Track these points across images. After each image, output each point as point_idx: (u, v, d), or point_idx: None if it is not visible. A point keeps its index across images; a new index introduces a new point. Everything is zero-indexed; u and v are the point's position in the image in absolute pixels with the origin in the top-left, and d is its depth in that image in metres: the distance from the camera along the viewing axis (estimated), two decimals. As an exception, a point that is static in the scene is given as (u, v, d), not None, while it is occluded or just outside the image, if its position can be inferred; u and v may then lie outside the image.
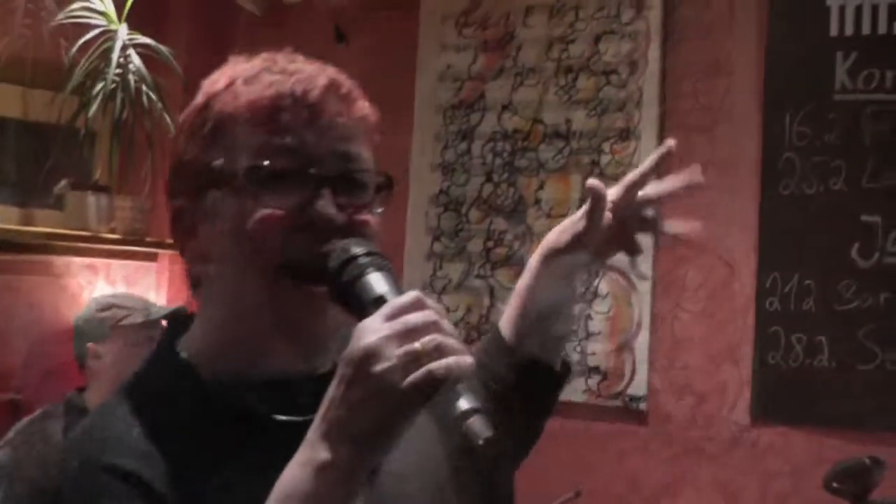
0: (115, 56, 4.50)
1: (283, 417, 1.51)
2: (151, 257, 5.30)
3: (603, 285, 4.51)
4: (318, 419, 1.35)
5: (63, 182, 4.62)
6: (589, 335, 4.53)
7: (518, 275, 4.53)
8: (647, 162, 1.92)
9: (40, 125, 4.75)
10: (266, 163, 1.51)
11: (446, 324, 1.34)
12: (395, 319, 1.32)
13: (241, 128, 1.55)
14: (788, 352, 4.14)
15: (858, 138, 4.07)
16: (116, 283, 5.15)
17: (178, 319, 1.67)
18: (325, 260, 1.47)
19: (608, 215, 1.97)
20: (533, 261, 2.00)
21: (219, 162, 1.54)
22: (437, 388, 1.29)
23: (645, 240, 1.92)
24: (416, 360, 1.29)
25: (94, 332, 4.09)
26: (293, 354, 1.56)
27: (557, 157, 4.64)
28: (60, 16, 4.47)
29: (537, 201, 4.64)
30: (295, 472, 1.35)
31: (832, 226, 4.10)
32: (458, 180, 4.83)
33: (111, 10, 4.55)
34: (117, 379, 3.99)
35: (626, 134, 4.52)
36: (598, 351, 4.51)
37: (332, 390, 1.34)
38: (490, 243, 4.72)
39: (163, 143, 4.63)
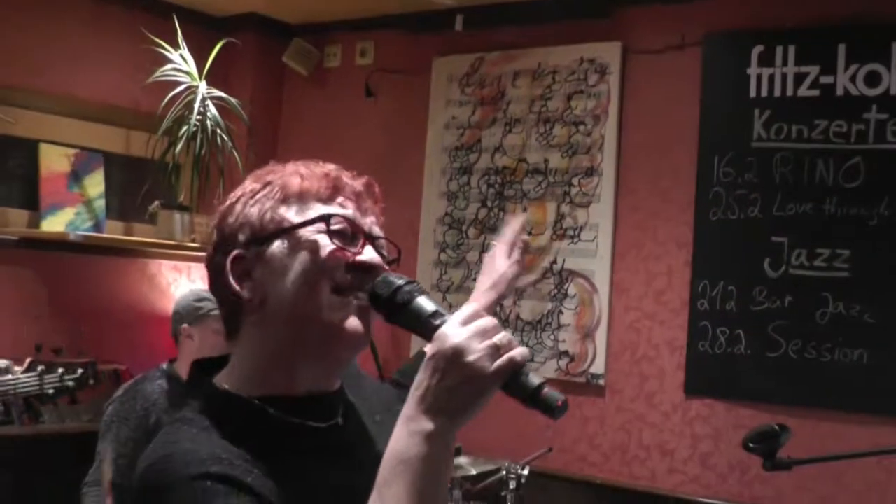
0: (196, 106, 4.51)
1: (315, 424, 1.55)
2: (222, 262, 5.28)
3: (572, 288, 4.48)
4: (414, 401, 1.37)
5: (156, 203, 4.64)
6: (560, 326, 4.50)
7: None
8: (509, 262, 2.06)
9: (139, 159, 4.78)
10: (337, 215, 1.55)
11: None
12: (469, 324, 1.36)
13: (313, 193, 1.58)
14: (714, 342, 4.11)
15: (771, 177, 4.04)
16: (195, 281, 5.15)
17: (200, 374, 1.63)
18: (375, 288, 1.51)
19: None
20: None
21: (290, 215, 1.56)
22: (516, 371, 1.35)
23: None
24: (497, 351, 1.35)
25: (189, 316, 4.08)
26: (323, 375, 1.58)
27: (537, 188, 4.61)
28: (156, 75, 4.47)
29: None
30: (405, 441, 1.36)
31: (749, 244, 4.07)
32: (459, 205, 4.81)
33: (194, 70, 4.56)
34: (198, 356, 4.03)
35: (591, 171, 4.49)
36: (567, 339, 4.48)
37: (427, 379, 1.36)
38: (484, 255, 4.68)
39: (232, 174, 4.62)
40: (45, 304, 4.58)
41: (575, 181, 4.51)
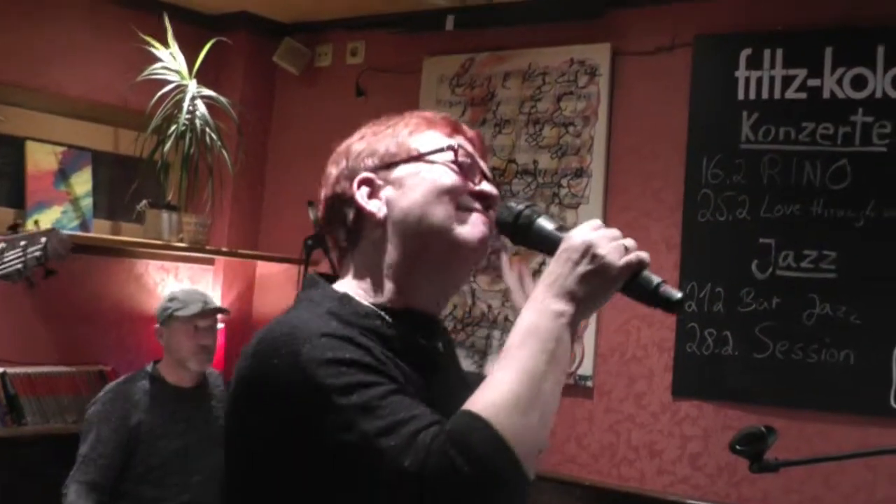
0: (185, 105, 4.52)
1: (421, 340, 1.62)
2: (210, 262, 5.31)
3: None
4: (543, 286, 1.48)
5: (143, 202, 4.63)
6: (548, 327, 4.50)
7: (493, 280, 4.55)
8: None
9: (127, 158, 4.79)
10: (464, 148, 1.68)
11: None
12: (598, 229, 1.50)
13: (436, 129, 1.71)
14: (702, 343, 4.13)
15: (758, 179, 4.07)
16: (183, 281, 5.16)
17: (319, 278, 1.71)
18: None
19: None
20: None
21: (418, 145, 1.68)
22: (639, 269, 1.48)
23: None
24: (625, 249, 1.48)
25: (160, 316, 4.13)
26: (437, 292, 1.68)
27: (527, 189, 4.63)
28: (145, 73, 4.48)
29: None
30: (534, 317, 1.45)
31: (737, 246, 4.09)
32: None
33: (183, 69, 4.57)
34: (172, 356, 4.07)
35: (580, 172, 4.51)
36: (555, 340, 4.49)
37: (558, 267, 1.48)
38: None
39: (221, 173, 4.63)
40: (31, 304, 4.57)
41: (564, 182, 4.54)
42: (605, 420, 4.40)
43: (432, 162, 1.66)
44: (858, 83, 3.91)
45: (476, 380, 1.54)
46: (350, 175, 1.68)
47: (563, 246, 1.49)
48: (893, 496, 3.74)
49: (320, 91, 5.37)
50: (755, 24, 4.16)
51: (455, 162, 1.66)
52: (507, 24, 4.75)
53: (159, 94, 4.50)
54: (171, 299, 4.17)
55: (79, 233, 4.49)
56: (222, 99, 4.71)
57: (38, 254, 2.61)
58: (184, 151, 4.54)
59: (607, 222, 1.51)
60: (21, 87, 4.57)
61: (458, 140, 1.69)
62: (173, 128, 4.49)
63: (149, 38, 4.49)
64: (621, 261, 1.46)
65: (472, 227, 1.63)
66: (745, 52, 4.13)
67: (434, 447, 1.34)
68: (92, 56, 4.80)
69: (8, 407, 4.34)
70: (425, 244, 1.62)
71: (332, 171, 1.72)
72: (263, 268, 5.44)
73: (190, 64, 4.58)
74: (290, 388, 1.42)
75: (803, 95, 4.00)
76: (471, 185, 1.66)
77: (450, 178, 1.64)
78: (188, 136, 4.52)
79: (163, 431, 3.98)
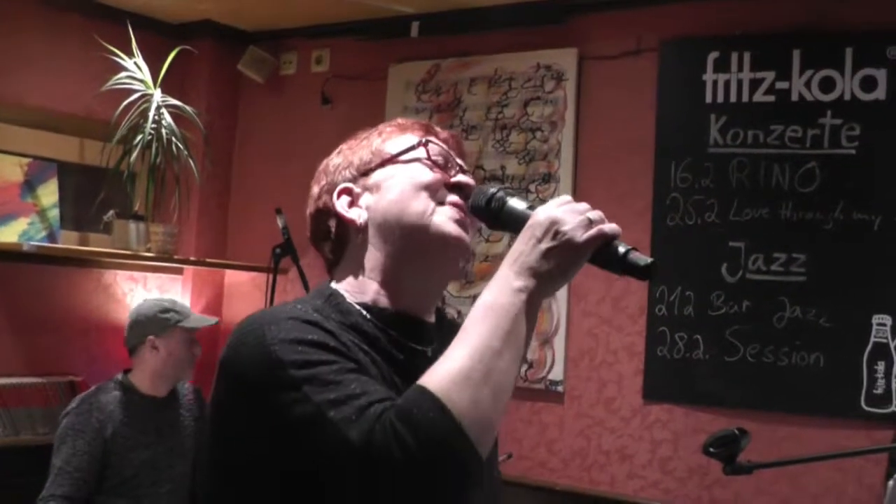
0: (151, 114, 4.47)
1: (404, 341, 1.61)
2: (178, 271, 5.27)
3: (529, 294, 4.46)
4: (506, 263, 1.46)
5: (110, 212, 4.60)
6: (518, 333, 4.48)
7: (463, 287, 4.51)
8: None
9: (93, 168, 4.72)
10: (436, 144, 1.70)
11: None
12: (566, 204, 1.47)
13: (412, 132, 1.72)
14: (673, 347, 4.12)
15: (727, 182, 4.05)
16: (151, 291, 5.11)
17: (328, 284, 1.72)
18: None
19: None
20: None
21: (390, 148, 1.69)
22: (605, 242, 1.44)
23: None
24: (590, 223, 1.44)
25: (156, 327, 4.04)
26: (422, 292, 1.67)
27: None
28: (110, 83, 4.42)
29: (479, 230, 4.58)
30: (494, 293, 1.43)
31: (707, 250, 4.07)
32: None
33: (148, 78, 4.52)
34: (161, 367, 4.01)
35: (548, 177, 4.48)
36: (526, 345, 4.46)
37: (521, 245, 1.46)
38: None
39: (188, 182, 4.58)
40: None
41: (532, 188, 4.50)
42: (576, 425, 4.37)
43: (406, 162, 1.67)
44: (826, 85, 3.89)
45: None
46: (330, 189, 1.70)
47: (528, 223, 1.47)
48: (862, 497, 3.74)
49: (286, 99, 5.32)
50: (722, 27, 4.14)
51: (428, 157, 1.67)
52: (473, 30, 4.71)
53: (124, 103, 4.45)
54: (168, 311, 4.11)
55: (46, 244, 4.42)
56: (188, 108, 4.66)
57: None
58: (150, 161, 4.50)
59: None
60: (-16, 98, 4.51)
61: (433, 139, 1.71)
62: (139, 137, 4.44)
63: (113, 48, 4.43)
64: (584, 235, 1.43)
65: (449, 218, 1.62)
66: (713, 56, 4.10)
67: (381, 420, 1.33)
68: (56, 66, 4.74)
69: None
70: (405, 241, 1.62)
71: (315, 188, 1.74)
72: (232, 276, 5.39)
73: (154, 73, 4.53)
74: (254, 368, 1.45)
75: (771, 98, 3.99)
76: (446, 177, 1.67)
77: (424, 173, 1.65)
78: (154, 145, 4.48)
79: (135, 442, 3.93)
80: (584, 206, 1.47)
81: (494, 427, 1.38)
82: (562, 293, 4.39)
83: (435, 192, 1.64)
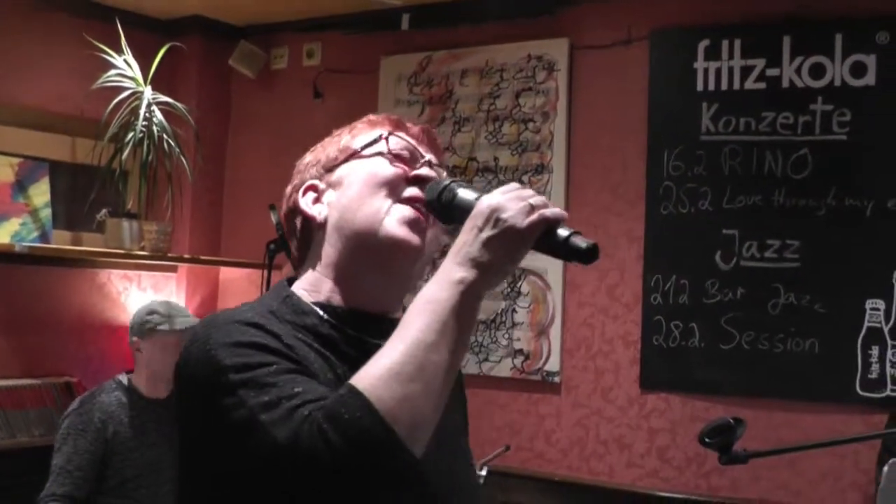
0: (142, 112, 4.45)
1: (358, 335, 1.60)
2: (172, 269, 5.26)
3: (525, 286, 4.48)
4: (450, 255, 1.43)
5: (103, 211, 4.58)
6: (514, 325, 4.50)
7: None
8: None
9: (85, 167, 4.69)
10: (399, 137, 1.69)
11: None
12: (510, 192, 1.44)
13: (381, 127, 1.72)
14: (668, 335, 4.13)
15: (720, 170, 4.07)
16: (146, 290, 5.11)
17: (284, 282, 1.72)
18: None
19: None
20: None
21: (354, 143, 1.70)
22: (548, 228, 1.41)
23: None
24: (531, 209, 1.41)
25: (138, 329, 4.09)
26: (380, 291, 1.64)
27: (487, 187, 4.60)
28: (100, 81, 4.41)
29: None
30: (434, 287, 1.41)
31: (701, 237, 4.09)
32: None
33: (139, 75, 4.51)
34: (149, 369, 4.02)
35: (540, 168, 4.49)
36: (522, 337, 4.48)
37: (464, 236, 1.43)
38: (436, 254, 4.68)
39: (180, 179, 4.58)
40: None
41: (525, 178, 4.52)
42: (573, 415, 4.39)
43: (369, 156, 1.67)
44: (817, 72, 3.91)
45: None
46: (299, 186, 1.72)
47: (471, 213, 1.45)
48: (859, 481, 3.76)
49: (277, 94, 5.32)
50: (712, 15, 4.15)
51: (389, 151, 1.67)
52: (463, 22, 4.72)
53: (115, 101, 4.43)
54: (152, 312, 4.12)
55: (39, 244, 4.42)
56: (179, 105, 4.65)
57: None
58: (142, 159, 4.49)
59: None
60: (-27, 98, 4.50)
61: (398, 133, 1.70)
62: (130, 135, 4.43)
63: (102, 46, 4.42)
64: (525, 221, 1.40)
65: (400, 220, 1.61)
66: (703, 44, 4.12)
67: (309, 420, 1.32)
68: (45, 65, 4.74)
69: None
70: (357, 241, 1.62)
71: (288, 188, 1.75)
72: (226, 273, 5.39)
73: (145, 70, 4.52)
74: (198, 372, 1.46)
75: (762, 85, 4.00)
76: (407, 171, 1.66)
77: (383, 167, 1.65)
78: (146, 143, 4.47)
79: (136, 443, 3.94)
80: (528, 192, 1.44)
81: (429, 422, 1.35)
82: (556, 284, 4.41)
83: (394, 187, 1.63)
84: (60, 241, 4.73)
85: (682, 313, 4.11)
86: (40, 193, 4.55)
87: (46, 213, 4.54)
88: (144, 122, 4.46)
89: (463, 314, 1.39)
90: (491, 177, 4.60)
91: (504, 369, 4.50)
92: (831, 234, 3.86)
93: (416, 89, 4.85)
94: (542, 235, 1.42)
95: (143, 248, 4.59)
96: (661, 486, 4.16)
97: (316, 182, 1.70)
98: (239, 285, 5.29)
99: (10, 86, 4.62)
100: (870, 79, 3.83)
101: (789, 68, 3.95)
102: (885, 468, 2.49)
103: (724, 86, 4.08)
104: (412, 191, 1.63)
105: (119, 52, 4.46)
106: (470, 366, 4.56)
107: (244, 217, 5.30)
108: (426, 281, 1.44)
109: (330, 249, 1.65)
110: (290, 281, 1.71)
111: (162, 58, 4.58)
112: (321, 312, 1.60)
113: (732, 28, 4.08)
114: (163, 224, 4.65)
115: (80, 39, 4.47)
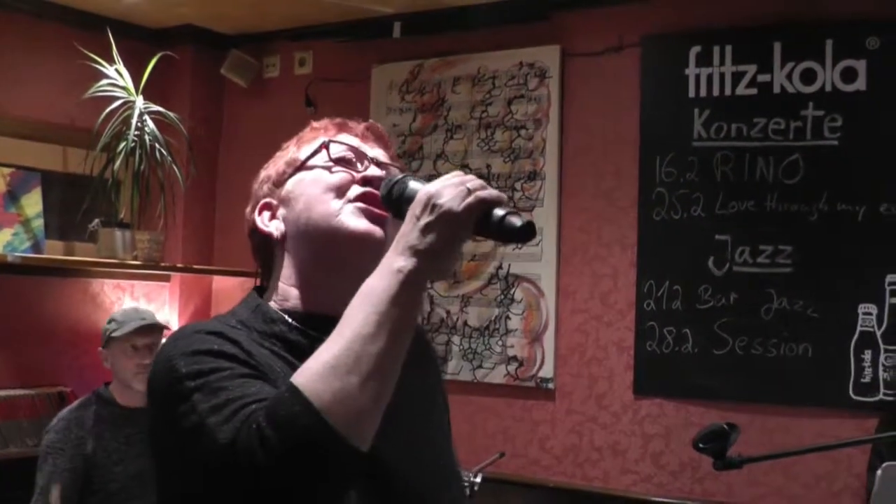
0: (134, 121, 4.44)
1: (314, 334, 1.58)
2: (165, 278, 5.26)
3: (518, 293, 4.49)
4: (392, 246, 1.42)
5: (96, 221, 4.55)
6: (508, 332, 4.51)
7: (451, 286, 4.54)
8: None
9: (77, 177, 4.67)
10: (338, 141, 1.72)
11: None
12: (448, 179, 1.44)
13: (317, 135, 1.76)
14: (661, 341, 4.14)
15: (712, 176, 4.08)
16: (139, 299, 5.10)
17: (254, 292, 1.75)
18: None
19: None
20: None
21: (300, 155, 1.73)
22: (484, 209, 1.40)
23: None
24: (468, 193, 1.40)
25: (102, 339, 4.09)
26: (347, 294, 1.55)
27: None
28: (91, 90, 4.41)
29: (466, 228, 4.61)
30: (373, 278, 1.41)
31: (693, 243, 4.10)
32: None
33: (130, 85, 4.50)
34: (117, 378, 4.01)
35: (533, 175, 4.50)
36: (515, 344, 4.49)
37: (404, 226, 1.42)
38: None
39: (172, 189, 4.58)
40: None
41: (518, 185, 4.52)
42: (568, 422, 4.39)
43: (313, 167, 1.70)
44: (808, 77, 3.93)
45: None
46: (254, 206, 1.75)
47: (413, 202, 1.45)
48: (853, 485, 3.77)
49: (270, 102, 5.33)
50: (703, 22, 4.17)
51: (330, 159, 1.69)
52: (455, 29, 4.73)
53: (107, 111, 4.42)
54: (110, 321, 4.12)
55: (31, 254, 4.42)
56: (171, 114, 4.65)
57: None
58: (134, 168, 4.48)
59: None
60: (-35, 109, 4.50)
61: (342, 137, 1.73)
62: (122, 145, 4.42)
63: (93, 56, 4.42)
64: (461, 205, 1.39)
65: (355, 213, 1.63)
66: (695, 50, 4.13)
67: (249, 420, 1.33)
68: (36, 75, 4.74)
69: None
70: (318, 246, 1.65)
71: (248, 208, 1.77)
72: (220, 282, 5.40)
73: (136, 80, 4.51)
74: (160, 384, 1.48)
75: (754, 91, 4.02)
76: (353, 174, 1.67)
77: (329, 175, 1.67)
78: (138, 152, 4.46)
79: (119, 456, 3.89)
80: (468, 178, 1.44)
81: (370, 415, 1.34)
82: (550, 290, 4.42)
83: (343, 191, 1.65)
84: (53, 251, 4.72)
85: (675, 319, 4.12)
86: (32, 203, 4.54)
87: (39, 224, 4.54)
88: (136, 132, 4.46)
89: (403, 302, 1.37)
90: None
91: (498, 376, 4.51)
92: (823, 239, 3.87)
93: (407, 97, 4.86)
94: (481, 219, 1.41)
95: (135, 258, 4.58)
96: (655, 491, 4.17)
97: (269, 199, 1.72)
98: (232, 294, 5.28)
99: (1, 96, 4.61)
100: (860, 84, 3.85)
101: (780, 74, 3.97)
102: (879, 472, 2.49)
103: (715, 92, 4.10)
104: (361, 189, 1.65)
105: (110, 61, 4.46)
106: (464, 373, 4.57)
107: (237, 226, 5.25)
108: None
109: (292, 261, 1.67)
110: (261, 290, 1.73)
111: (153, 67, 4.57)
112: (289, 319, 1.62)
113: (723, 34, 4.10)
114: (155, 233, 4.65)
115: (72, 49, 4.46)
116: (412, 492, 1.61)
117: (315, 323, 1.61)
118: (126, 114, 4.47)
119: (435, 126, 4.77)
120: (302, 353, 1.50)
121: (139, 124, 4.47)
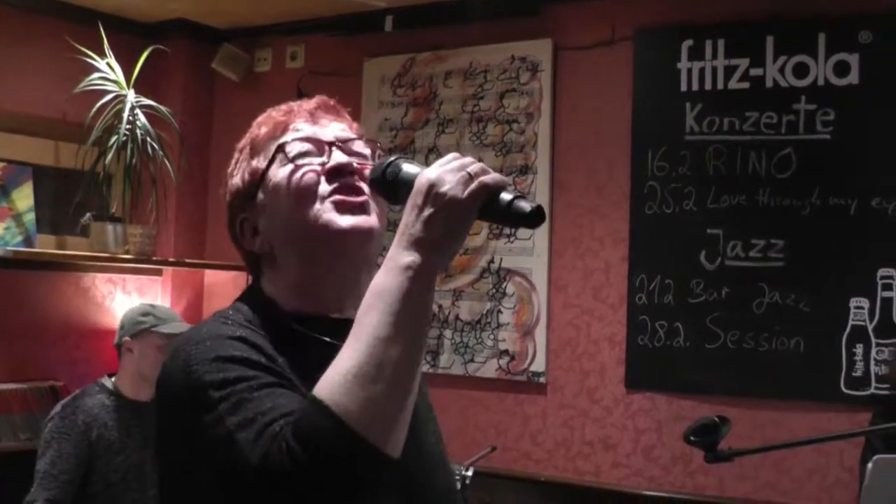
0: (125, 115, 4.43)
1: (326, 339, 1.55)
2: (157, 272, 5.26)
3: (510, 287, 4.49)
4: (396, 239, 1.38)
5: (87, 215, 4.55)
6: (499, 326, 4.50)
7: (443, 280, 4.52)
8: None
9: (69, 171, 4.66)
10: (290, 139, 1.64)
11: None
12: (448, 163, 1.40)
13: (269, 137, 1.67)
14: (653, 335, 4.14)
15: (704, 170, 4.08)
16: (131, 294, 5.09)
17: (253, 289, 1.71)
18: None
19: None
20: None
21: (259, 164, 1.66)
22: (488, 195, 1.37)
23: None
24: (470, 179, 1.37)
25: (131, 329, 4.07)
26: (345, 291, 1.62)
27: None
28: (82, 84, 4.39)
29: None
30: (382, 276, 1.37)
31: (685, 237, 4.10)
32: (395, 208, 4.77)
33: (122, 79, 4.49)
34: (137, 370, 4.01)
35: (525, 169, 4.50)
36: (507, 338, 4.49)
37: (406, 217, 1.38)
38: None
39: (164, 182, 4.57)
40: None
41: (510, 180, 4.52)
42: (559, 416, 4.39)
43: (275, 173, 1.64)
44: (800, 71, 3.93)
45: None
46: (233, 223, 1.70)
47: (412, 192, 1.40)
48: (845, 479, 3.78)
49: (261, 96, 5.31)
50: (695, 15, 4.17)
51: (291, 161, 1.63)
52: (447, 23, 4.72)
53: (98, 105, 4.41)
54: (146, 314, 4.11)
55: (23, 248, 4.41)
56: (162, 108, 4.64)
57: None
58: (125, 162, 4.47)
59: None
60: (-44, 103, 4.49)
61: (291, 129, 1.67)
62: (114, 139, 4.41)
63: (84, 49, 4.41)
64: (465, 192, 1.36)
65: (337, 210, 1.59)
66: (687, 44, 4.13)
67: (278, 438, 1.30)
68: (27, 69, 4.73)
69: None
70: (306, 250, 1.61)
71: (227, 223, 1.74)
72: (211, 276, 5.39)
73: (128, 74, 4.50)
74: (179, 389, 1.45)
75: (746, 85, 4.02)
76: (318, 169, 1.62)
77: (296, 179, 1.61)
78: (129, 146, 4.45)
79: (121, 446, 3.92)
80: (467, 160, 1.40)
81: (398, 420, 1.32)
82: (542, 284, 4.42)
83: (315, 190, 1.61)
84: (45, 245, 4.71)
85: (667, 313, 4.12)
86: (24, 197, 4.53)
87: (30, 218, 4.53)
88: (128, 126, 4.45)
89: (416, 300, 1.35)
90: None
91: (489, 370, 4.51)
92: (816, 233, 3.88)
93: (399, 91, 4.85)
94: (486, 204, 1.38)
95: (127, 252, 4.58)
96: (647, 485, 4.17)
97: (244, 216, 1.67)
98: (224, 288, 5.28)
99: (-8, 90, 4.61)
100: (853, 78, 3.85)
101: (773, 68, 3.96)
102: (870, 465, 2.50)
103: (707, 85, 4.10)
104: (331, 186, 1.61)
105: (102, 55, 4.45)
106: (455, 366, 4.56)
107: (229, 220, 5.29)
108: (383, 256, 1.42)
109: (282, 268, 1.64)
110: (256, 289, 1.70)
111: (145, 61, 4.57)
112: (292, 321, 1.59)
113: (716, 28, 4.10)
114: (147, 227, 4.64)
115: (63, 43, 4.45)
116: (428, 487, 1.63)
117: (314, 324, 1.59)
118: (117, 108, 4.46)
119: (427, 120, 4.76)
120: (314, 356, 1.45)
121: (131, 118, 4.46)
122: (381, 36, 4.85)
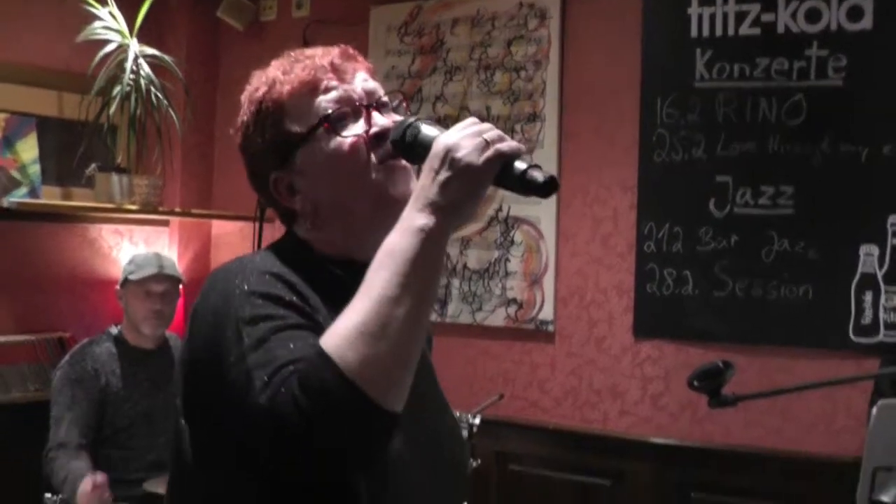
0: (128, 65, 4.43)
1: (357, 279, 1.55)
2: (164, 223, 5.26)
3: (518, 236, 4.49)
4: (411, 201, 1.42)
5: (92, 166, 4.57)
6: (507, 274, 4.51)
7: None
8: None
9: (73, 122, 4.67)
10: (331, 110, 1.63)
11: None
12: (466, 128, 1.43)
13: (299, 97, 1.66)
14: (662, 284, 4.14)
15: (713, 117, 4.05)
16: (138, 244, 5.10)
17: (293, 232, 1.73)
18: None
19: None
20: None
21: (293, 127, 1.64)
22: (506, 162, 1.41)
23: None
24: (486, 145, 1.40)
25: (121, 279, 4.16)
26: (370, 247, 1.53)
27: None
28: (84, 33, 4.38)
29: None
30: (395, 237, 1.39)
31: (694, 185, 4.09)
32: (403, 156, 4.78)
33: (124, 28, 4.47)
34: (128, 317, 4.06)
35: (533, 117, 4.49)
36: (515, 287, 4.50)
37: (422, 180, 1.42)
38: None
39: (169, 133, 4.57)
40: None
41: (518, 128, 4.51)
42: (567, 364, 4.41)
43: (320, 146, 1.64)
44: (812, 16, 3.88)
45: None
46: (263, 177, 1.71)
47: (428, 156, 1.44)
48: (852, 426, 3.78)
49: (267, 46, 5.28)
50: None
51: (335, 132, 1.63)
52: (454, -30, 4.69)
53: (101, 54, 4.40)
54: (129, 262, 4.20)
55: (28, 200, 4.42)
56: (166, 57, 4.63)
57: None
58: (130, 113, 4.47)
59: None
60: (-42, 54, 4.48)
61: (322, 88, 1.66)
62: (117, 89, 4.41)
63: (86, -3, 4.39)
64: (481, 158, 1.40)
65: (390, 179, 1.62)
66: (697, -12, 4.10)
67: (285, 384, 1.34)
68: (28, 19, 4.70)
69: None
70: (358, 213, 1.63)
71: (248, 173, 1.75)
72: (219, 227, 5.39)
73: (130, 22, 4.49)
74: (218, 319, 1.49)
75: (757, 31, 3.98)
76: (364, 136, 1.63)
77: (347, 152, 1.62)
78: (133, 96, 4.45)
79: (128, 394, 4.00)
80: (485, 127, 1.44)
81: (401, 378, 1.35)
82: (550, 233, 4.42)
83: (367, 160, 1.62)
84: (50, 196, 4.73)
85: (675, 261, 4.12)
86: (28, 149, 4.54)
87: (35, 169, 4.54)
88: (132, 76, 4.44)
89: (426, 262, 1.38)
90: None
91: (498, 319, 4.52)
92: (825, 180, 3.86)
93: (406, 39, 4.83)
94: (500, 171, 1.42)
95: (133, 203, 4.59)
96: (654, 432, 4.19)
97: (278, 175, 1.67)
98: (231, 238, 5.29)
99: (-6, 40, 4.59)
100: (866, 23, 3.80)
101: (784, 13, 3.92)
102: (874, 409, 2.51)
103: (718, 32, 4.06)
104: (376, 150, 1.62)
105: (103, 3, 4.43)
106: (463, 315, 4.58)
107: (235, 170, 5.22)
108: None
109: (328, 225, 1.66)
110: (291, 233, 1.72)
111: (148, 9, 4.55)
112: (332, 267, 1.63)
113: (726, -27, 4.07)
114: (153, 178, 4.65)
115: (63, -10, 4.43)
116: (434, 437, 1.67)
117: (345, 266, 1.62)
118: (120, 57, 4.45)
119: (434, 68, 4.74)
120: (345, 295, 1.48)
121: (134, 68, 4.46)
122: (387, -17, 4.82)
